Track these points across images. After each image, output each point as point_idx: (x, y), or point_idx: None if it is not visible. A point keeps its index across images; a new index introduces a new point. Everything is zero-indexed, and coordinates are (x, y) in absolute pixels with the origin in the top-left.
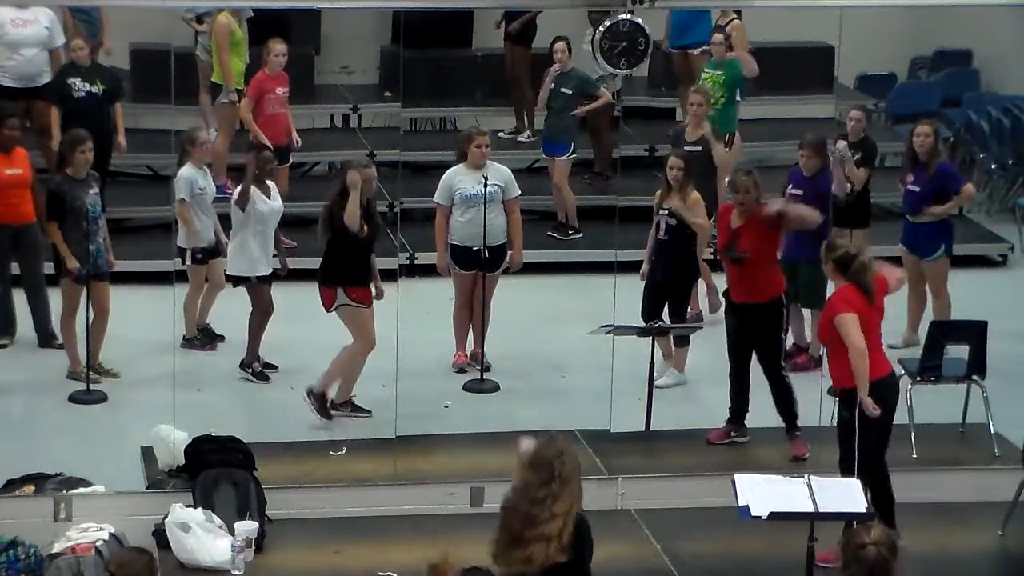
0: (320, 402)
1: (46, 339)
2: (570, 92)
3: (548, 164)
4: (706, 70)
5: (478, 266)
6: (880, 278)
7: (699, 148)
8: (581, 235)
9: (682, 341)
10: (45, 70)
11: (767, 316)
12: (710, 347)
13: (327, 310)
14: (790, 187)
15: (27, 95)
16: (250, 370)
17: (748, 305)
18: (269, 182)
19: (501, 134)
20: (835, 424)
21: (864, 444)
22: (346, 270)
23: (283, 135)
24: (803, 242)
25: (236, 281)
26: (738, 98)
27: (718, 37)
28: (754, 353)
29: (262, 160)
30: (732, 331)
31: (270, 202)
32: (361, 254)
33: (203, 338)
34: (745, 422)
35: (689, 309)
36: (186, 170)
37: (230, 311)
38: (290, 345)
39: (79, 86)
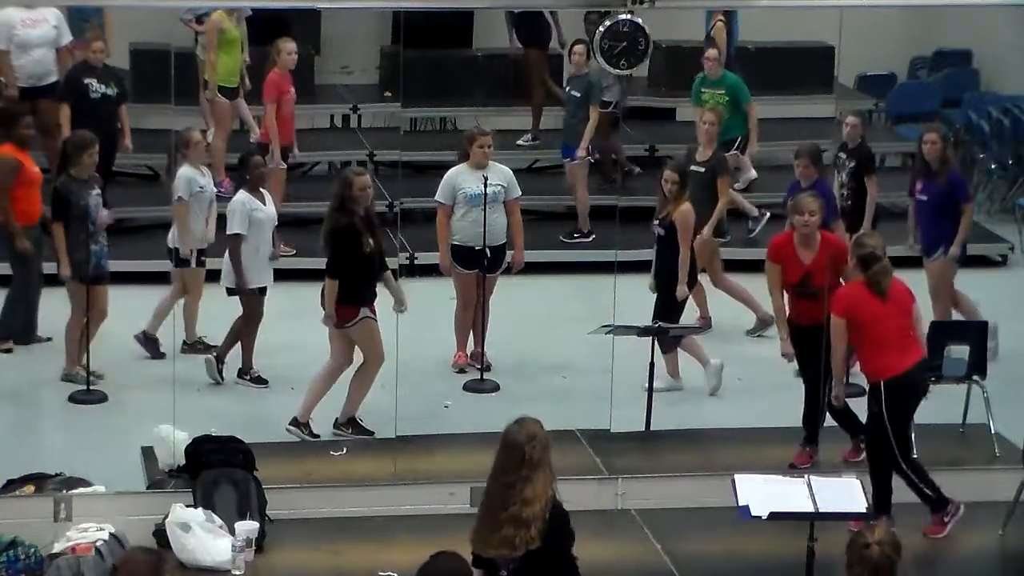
0: (355, 426)
1: (29, 335)
2: (579, 96)
3: (565, 167)
4: (705, 90)
5: (479, 266)
6: (904, 288)
7: (703, 169)
8: (594, 237)
9: (669, 346)
10: (52, 69)
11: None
12: (711, 351)
13: (340, 327)
14: (789, 200)
15: (34, 95)
16: (248, 376)
17: (815, 327)
18: (262, 189)
19: (520, 142)
20: (839, 425)
21: (898, 433)
22: (365, 289)
23: (292, 134)
24: None
25: (231, 291)
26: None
27: (712, 53)
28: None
29: (253, 165)
30: (801, 354)
31: (265, 208)
32: (373, 268)
33: (204, 341)
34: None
35: (698, 316)
36: (185, 170)
37: (225, 315)
38: (290, 345)
39: (96, 87)
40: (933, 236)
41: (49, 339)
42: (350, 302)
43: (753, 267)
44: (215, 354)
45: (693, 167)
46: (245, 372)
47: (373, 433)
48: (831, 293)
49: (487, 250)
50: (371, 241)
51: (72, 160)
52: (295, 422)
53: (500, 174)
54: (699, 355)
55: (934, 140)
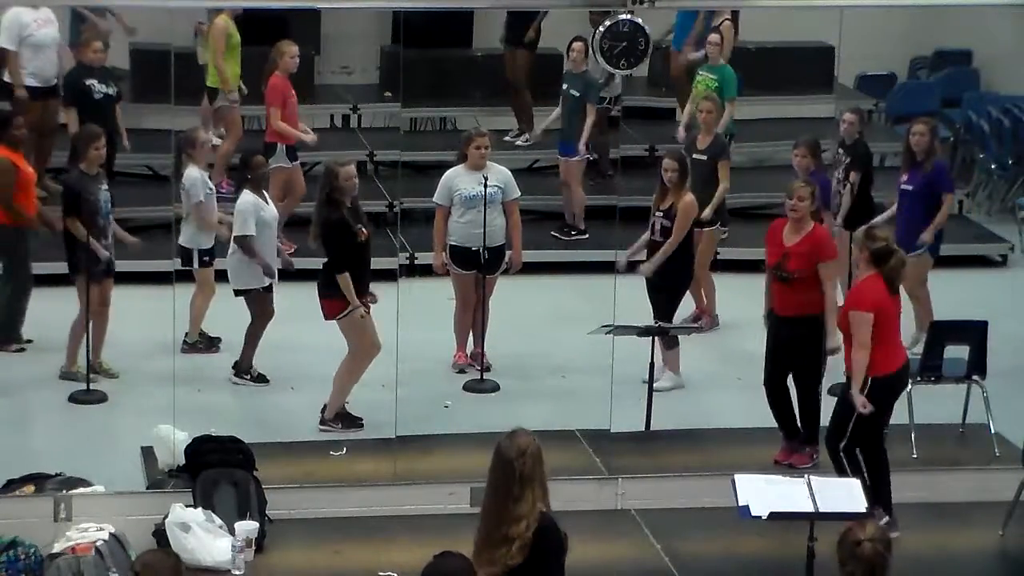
0: (342, 420)
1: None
2: (578, 94)
3: (560, 164)
4: (701, 72)
5: (478, 267)
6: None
7: (705, 156)
8: (587, 236)
9: (671, 342)
10: (57, 69)
11: (809, 331)
12: (712, 350)
13: (329, 319)
14: None
15: (42, 95)
16: (248, 376)
17: (790, 319)
18: (263, 189)
19: (507, 137)
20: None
21: (870, 431)
22: (354, 280)
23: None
24: None
25: (238, 291)
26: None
27: (715, 38)
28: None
29: (256, 166)
30: (772, 343)
31: (268, 208)
32: (364, 258)
33: (204, 342)
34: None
35: (695, 309)
36: (193, 171)
37: (226, 312)
38: (291, 345)
39: (98, 88)
40: (916, 230)
41: (30, 341)
42: (340, 295)
43: (753, 267)
44: (239, 366)
45: (695, 155)
46: (246, 371)
47: (362, 420)
48: (808, 283)
49: (484, 251)
50: (364, 230)
51: (80, 154)
52: (328, 422)
53: (498, 175)
54: (674, 361)
55: (922, 132)
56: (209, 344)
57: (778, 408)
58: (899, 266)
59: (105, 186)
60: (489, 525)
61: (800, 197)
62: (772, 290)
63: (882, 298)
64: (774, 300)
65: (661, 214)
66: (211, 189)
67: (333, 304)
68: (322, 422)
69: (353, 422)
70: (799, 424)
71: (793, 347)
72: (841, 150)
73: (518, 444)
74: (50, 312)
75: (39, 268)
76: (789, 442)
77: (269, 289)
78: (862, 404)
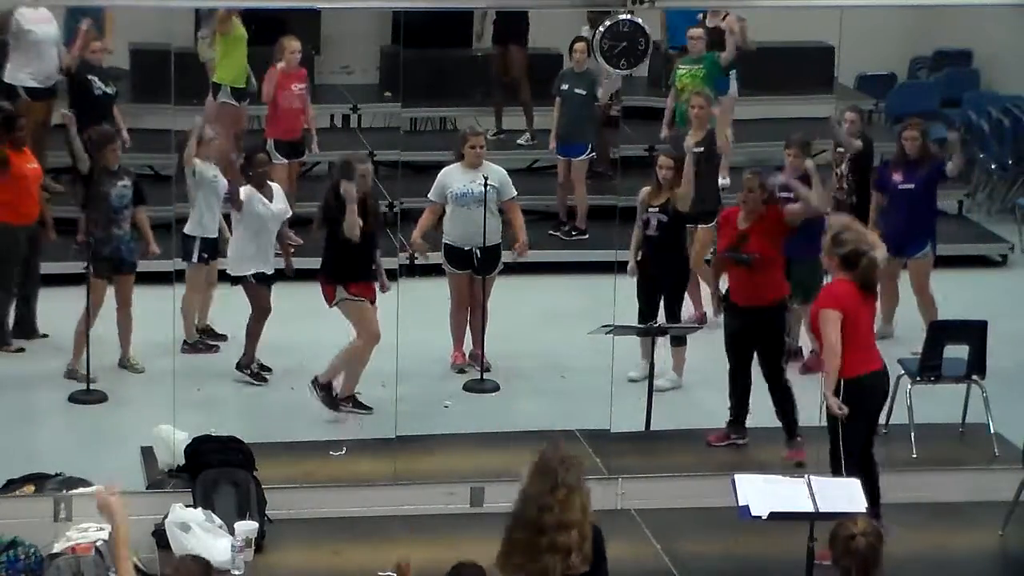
0: (326, 392)
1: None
2: (584, 93)
3: (561, 165)
4: (681, 66)
5: (472, 267)
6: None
7: (700, 149)
8: (587, 236)
9: (679, 341)
10: (56, 68)
11: (770, 319)
12: (711, 349)
13: (329, 305)
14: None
15: (45, 94)
16: (248, 371)
17: (751, 308)
18: (272, 184)
19: (520, 141)
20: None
21: (850, 436)
22: (344, 266)
23: (297, 131)
24: (798, 240)
25: (235, 280)
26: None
27: (696, 32)
28: (756, 356)
29: (257, 163)
30: (732, 334)
31: (271, 205)
32: (360, 249)
33: (205, 340)
34: (745, 423)
35: (694, 312)
36: (207, 169)
37: (230, 310)
38: (290, 345)
39: (98, 85)
40: (917, 230)
41: (46, 335)
42: (330, 280)
43: None
44: (239, 360)
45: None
46: (245, 366)
47: (372, 410)
48: (767, 264)
49: (477, 251)
50: (363, 223)
51: (95, 152)
52: (315, 384)
53: (493, 174)
54: (679, 360)
55: (914, 136)
56: (209, 344)
57: (740, 397)
58: (871, 267)
59: (124, 182)
60: (528, 532)
61: (749, 188)
62: (729, 277)
63: (851, 299)
64: (731, 288)
65: (656, 209)
66: (214, 177)
67: (326, 289)
68: (335, 405)
69: (361, 405)
70: (778, 418)
71: (756, 335)
72: (842, 148)
73: (562, 452)
74: (51, 312)
75: (45, 268)
76: (733, 425)
77: (263, 281)
78: (837, 406)
